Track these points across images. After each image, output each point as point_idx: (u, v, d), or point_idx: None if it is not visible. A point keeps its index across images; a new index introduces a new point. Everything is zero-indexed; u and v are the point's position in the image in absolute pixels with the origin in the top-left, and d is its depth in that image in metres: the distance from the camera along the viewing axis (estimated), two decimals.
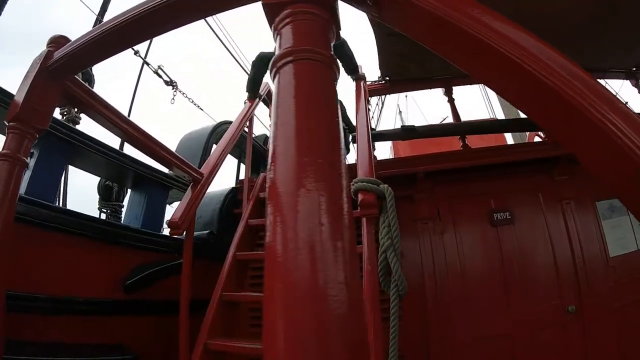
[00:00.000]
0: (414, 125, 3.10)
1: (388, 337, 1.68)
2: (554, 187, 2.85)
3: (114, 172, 2.69)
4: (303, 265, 0.54)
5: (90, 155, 2.41)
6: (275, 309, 0.54)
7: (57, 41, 1.49)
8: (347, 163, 0.84)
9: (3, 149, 1.37)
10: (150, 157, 2.04)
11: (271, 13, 0.85)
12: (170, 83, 3.64)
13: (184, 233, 2.26)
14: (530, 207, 2.84)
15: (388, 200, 1.80)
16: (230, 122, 3.88)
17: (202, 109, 4.44)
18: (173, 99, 3.75)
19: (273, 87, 0.79)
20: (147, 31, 1.44)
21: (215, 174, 2.45)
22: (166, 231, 2.79)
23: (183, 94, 3.80)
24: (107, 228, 2.24)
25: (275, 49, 0.83)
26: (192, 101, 4.10)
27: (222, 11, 1.33)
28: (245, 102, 2.94)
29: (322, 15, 0.83)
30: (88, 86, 1.67)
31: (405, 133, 2.99)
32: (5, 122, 1.40)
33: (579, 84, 0.64)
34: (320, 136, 0.67)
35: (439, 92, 3.75)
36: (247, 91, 3.14)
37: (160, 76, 3.60)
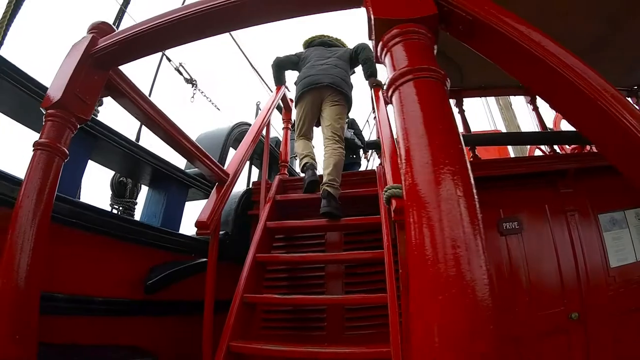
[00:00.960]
0: None
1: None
2: (559, 199, 2.88)
3: (133, 168, 2.58)
4: (452, 262, 0.59)
5: (113, 149, 2.30)
6: (424, 303, 0.60)
7: (100, 27, 1.40)
8: None
9: (40, 137, 1.24)
10: (183, 155, 1.98)
11: (380, 28, 0.90)
12: (191, 81, 3.57)
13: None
14: (537, 218, 2.88)
15: None
16: (247, 123, 3.89)
17: (218, 109, 4.40)
18: (193, 97, 3.68)
19: (394, 102, 0.83)
20: (208, 29, 1.39)
21: (239, 175, 2.45)
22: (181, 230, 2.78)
23: (202, 92, 3.75)
24: (129, 226, 2.13)
25: (386, 63, 0.89)
26: (210, 100, 4.05)
27: (303, 15, 1.35)
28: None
29: (427, 34, 0.88)
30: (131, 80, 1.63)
31: None
32: (42, 110, 1.28)
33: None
34: (448, 145, 0.72)
35: None
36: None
37: (180, 73, 3.52)
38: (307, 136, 3.28)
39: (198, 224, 2.01)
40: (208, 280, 2.09)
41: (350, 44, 3.69)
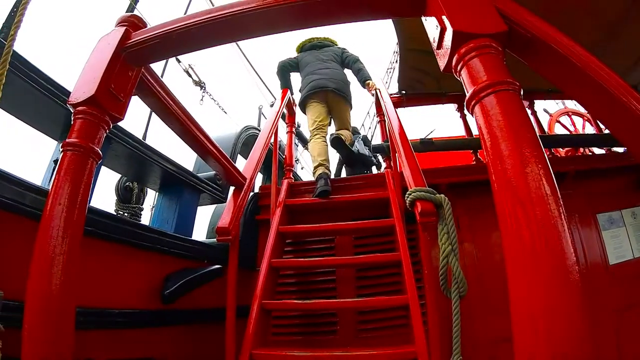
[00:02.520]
0: (431, 139, 3.22)
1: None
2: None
3: (143, 172, 2.46)
4: (553, 248, 0.70)
5: (124, 151, 2.19)
6: (528, 284, 0.71)
7: (130, 21, 1.30)
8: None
9: (70, 137, 1.11)
10: (204, 160, 1.93)
11: (457, 41, 0.95)
12: (199, 83, 3.49)
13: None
14: None
15: (446, 209, 1.84)
16: (254, 127, 3.83)
17: (225, 112, 4.31)
18: (202, 99, 3.60)
19: (476, 112, 0.91)
20: (251, 30, 1.34)
21: (255, 179, 2.41)
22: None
23: (210, 95, 3.68)
24: (145, 233, 2.02)
25: (463, 74, 0.96)
26: (218, 103, 3.97)
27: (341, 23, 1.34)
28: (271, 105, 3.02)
29: (499, 49, 0.95)
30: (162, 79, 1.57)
31: (424, 146, 3.09)
32: (70, 106, 1.16)
33: None
34: (534, 148, 0.81)
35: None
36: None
37: (190, 75, 3.43)
38: (322, 129, 3.50)
39: (219, 230, 1.93)
40: (229, 286, 2.02)
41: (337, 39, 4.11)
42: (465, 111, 3.74)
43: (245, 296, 2.20)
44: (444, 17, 0.99)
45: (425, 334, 1.92)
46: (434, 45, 1.07)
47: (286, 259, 2.55)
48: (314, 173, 3.20)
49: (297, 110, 3.73)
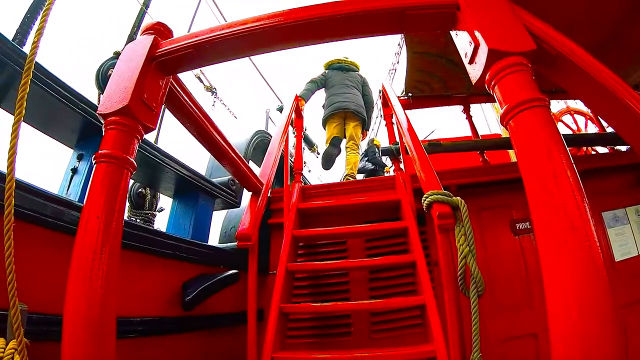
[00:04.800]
0: (439, 141, 3.27)
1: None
2: None
3: (157, 178, 2.45)
4: (585, 247, 0.81)
5: (139, 157, 2.13)
6: (564, 281, 0.81)
7: (157, 29, 1.30)
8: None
9: (103, 147, 1.10)
10: (226, 167, 1.95)
11: (491, 58, 1.02)
12: (210, 89, 3.51)
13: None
14: None
15: (463, 211, 1.89)
16: (264, 132, 3.86)
17: (236, 117, 4.36)
18: (214, 105, 3.62)
19: (510, 127, 1.00)
20: (282, 42, 1.29)
21: (271, 184, 2.43)
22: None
23: (221, 100, 3.71)
24: (164, 240, 2.01)
25: (496, 91, 1.03)
26: (229, 109, 4.01)
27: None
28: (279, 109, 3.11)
29: (528, 65, 1.01)
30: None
31: (432, 148, 3.14)
32: (100, 117, 1.15)
33: None
34: (563, 161, 0.89)
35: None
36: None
37: (201, 81, 3.45)
38: (336, 145, 4.67)
39: (240, 236, 1.94)
40: (250, 291, 2.02)
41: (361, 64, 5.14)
42: (471, 112, 3.86)
43: (259, 300, 2.20)
44: (477, 34, 1.05)
45: (444, 332, 1.97)
46: (466, 60, 1.12)
47: (302, 263, 2.57)
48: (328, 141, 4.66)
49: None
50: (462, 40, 1.15)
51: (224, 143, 1.71)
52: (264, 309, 2.62)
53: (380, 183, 3.07)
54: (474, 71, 1.08)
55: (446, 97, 3.52)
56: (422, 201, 1.99)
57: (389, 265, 2.53)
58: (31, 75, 1.17)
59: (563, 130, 5.58)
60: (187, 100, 1.44)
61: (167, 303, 2.06)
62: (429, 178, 2.10)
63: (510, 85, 0.99)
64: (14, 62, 1.57)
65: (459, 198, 1.93)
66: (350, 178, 4.57)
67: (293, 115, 3.29)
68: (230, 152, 1.79)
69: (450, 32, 1.23)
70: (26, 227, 1.41)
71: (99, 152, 1.11)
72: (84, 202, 1.07)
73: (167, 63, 1.27)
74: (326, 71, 4.94)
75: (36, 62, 1.87)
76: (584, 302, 0.78)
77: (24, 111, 1.03)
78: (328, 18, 1.18)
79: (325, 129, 4.82)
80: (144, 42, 1.26)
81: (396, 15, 1.20)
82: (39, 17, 1.30)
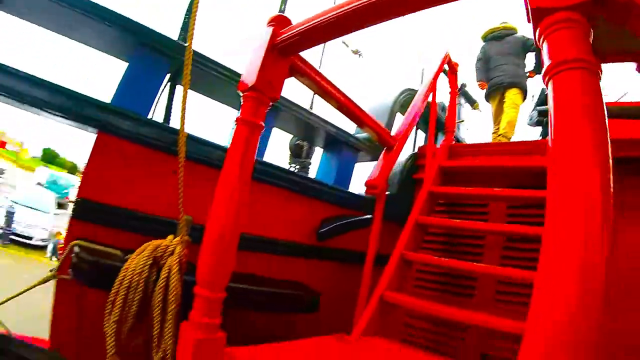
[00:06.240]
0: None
1: None
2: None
3: (310, 133, 2.93)
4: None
5: (292, 118, 2.67)
6: (570, 273, 0.74)
7: (278, 20, 1.58)
8: None
9: (241, 114, 1.52)
10: (355, 122, 2.13)
11: (536, 16, 0.93)
12: (357, 52, 3.89)
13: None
14: None
15: None
16: (412, 89, 3.95)
17: (381, 80, 4.59)
18: (360, 55, 3.97)
19: (549, 88, 0.89)
20: (378, 16, 1.35)
21: (406, 141, 2.55)
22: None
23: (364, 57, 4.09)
24: (308, 183, 2.50)
25: (544, 50, 0.92)
26: (374, 71, 4.27)
27: None
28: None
29: (582, 22, 0.88)
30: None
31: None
32: (240, 92, 1.55)
33: None
34: (597, 135, 0.80)
35: None
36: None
37: (347, 45, 3.84)
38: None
39: (367, 184, 2.19)
40: (372, 234, 2.28)
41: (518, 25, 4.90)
42: None
43: (389, 247, 2.43)
44: None
45: None
46: (529, 21, 1.02)
47: (432, 217, 2.64)
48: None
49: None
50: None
51: (347, 102, 1.92)
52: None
53: (527, 147, 2.72)
54: (533, 33, 0.98)
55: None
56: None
57: (531, 235, 2.31)
58: (191, 59, 1.67)
59: None
60: (309, 71, 1.73)
61: (307, 233, 2.56)
62: None
63: (553, 44, 0.90)
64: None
65: None
66: (502, 139, 4.32)
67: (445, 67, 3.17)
68: (355, 110, 1.98)
69: None
70: (196, 167, 2.02)
71: (238, 117, 1.54)
72: (228, 151, 1.51)
73: (287, 47, 1.57)
74: (483, 44, 5.03)
75: (195, 51, 2.41)
76: None
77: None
78: None
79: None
80: (265, 34, 1.59)
81: None
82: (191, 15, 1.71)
